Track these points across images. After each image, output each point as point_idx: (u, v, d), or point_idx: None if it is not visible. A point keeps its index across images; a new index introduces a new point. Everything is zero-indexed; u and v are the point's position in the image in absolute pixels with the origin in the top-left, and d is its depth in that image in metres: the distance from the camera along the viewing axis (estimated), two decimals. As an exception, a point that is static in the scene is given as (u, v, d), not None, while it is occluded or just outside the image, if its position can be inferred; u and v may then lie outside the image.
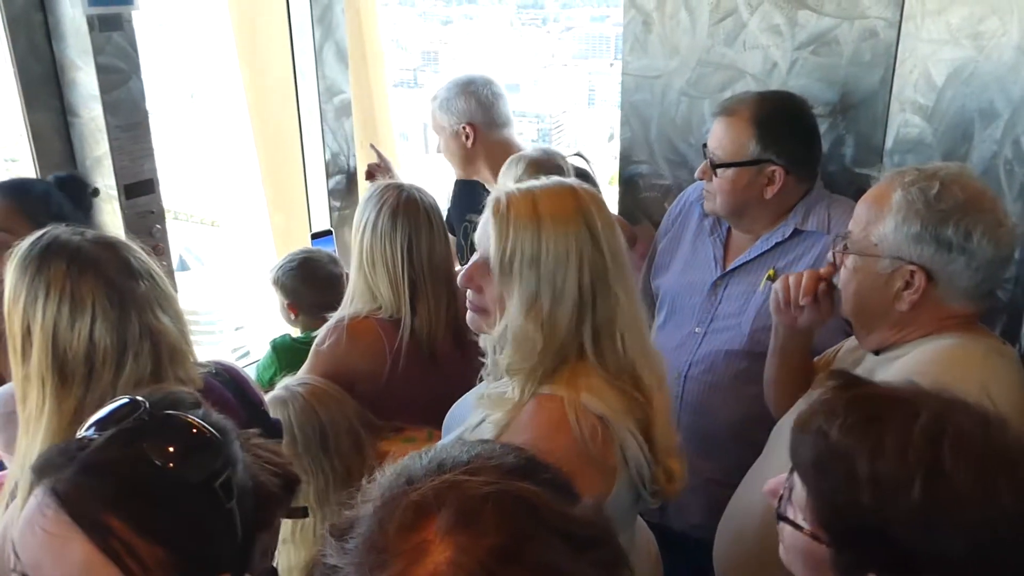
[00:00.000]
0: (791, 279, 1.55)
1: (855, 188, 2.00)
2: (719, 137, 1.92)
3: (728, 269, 2.01)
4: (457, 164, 2.67)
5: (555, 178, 1.39)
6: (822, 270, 1.55)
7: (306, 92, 3.01)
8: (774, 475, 1.08)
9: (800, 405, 1.57)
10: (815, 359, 1.72)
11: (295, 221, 3.16)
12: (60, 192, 1.96)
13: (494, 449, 0.81)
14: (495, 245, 1.30)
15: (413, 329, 1.84)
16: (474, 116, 2.57)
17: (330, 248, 2.72)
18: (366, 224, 1.85)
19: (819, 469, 0.97)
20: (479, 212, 1.38)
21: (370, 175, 2.82)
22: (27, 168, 2.36)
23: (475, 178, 2.64)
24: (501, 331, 1.33)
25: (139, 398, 0.96)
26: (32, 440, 1.25)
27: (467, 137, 2.58)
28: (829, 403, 1.00)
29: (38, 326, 1.25)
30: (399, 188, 1.89)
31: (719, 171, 1.91)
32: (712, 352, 1.98)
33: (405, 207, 1.85)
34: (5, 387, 1.44)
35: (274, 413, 1.66)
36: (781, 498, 1.03)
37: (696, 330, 2.02)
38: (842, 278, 1.50)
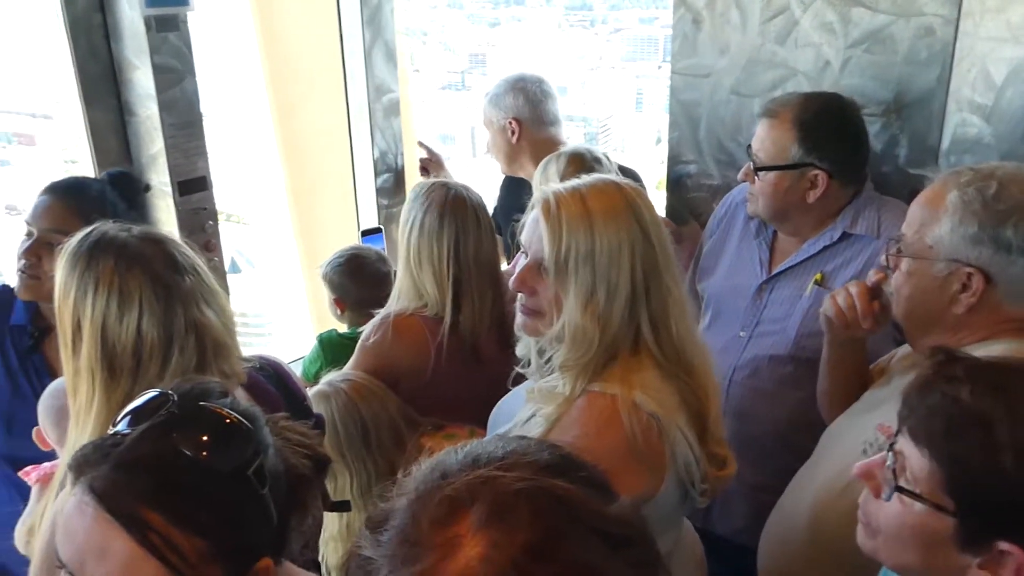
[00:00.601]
0: (840, 298, 1.52)
1: (908, 189, 1.95)
2: (761, 139, 1.89)
3: (774, 272, 1.98)
4: (502, 160, 2.67)
5: (598, 175, 1.40)
6: (871, 280, 1.52)
7: (355, 91, 3.04)
8: (826, 479, 1.06)
9: (858, 408, 1.54)
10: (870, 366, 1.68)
11: (344, 219, 3.19)
12: (114, 190, 2.00)
13: (529, 445, 0.80)
14: (549, 245, 1.31)
15: (457, 327, 1.85)
16: (521, 112, 2.58)
17: (379, 246, 2.74)
18: (413, 222, 1.86)
19: (952, 435, 0.95)
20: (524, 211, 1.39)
21: (424, 170, 2.84)
22: (86, 166, 2.43)
23: (520, 175, 2.64)
24: (559, 329, 1.33)
25: (168, 391, 0.97)
26: (82, 432, 1.27)
27: (512, 133, 2.59)
28: (945, 371, 0.98)
29: (88, 320, 1.27)
30: (446, 186, 1.90)
31: (761, 174, 1.89)
32: (757, 357, 1.95)
33: (452, 205, 1.85)
34: (57, 381, 1.47)
35: (317, 408, 1.68)
36: (895, 473, 1.00)
37: (741, 334, 1.99)
38: (896, 281, 1.46)
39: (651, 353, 1.32)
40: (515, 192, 2.58)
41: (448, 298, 1.84)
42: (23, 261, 1.77)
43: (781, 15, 2.17)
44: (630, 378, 1.29)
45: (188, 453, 0.90)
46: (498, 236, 2.67)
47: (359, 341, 1.89)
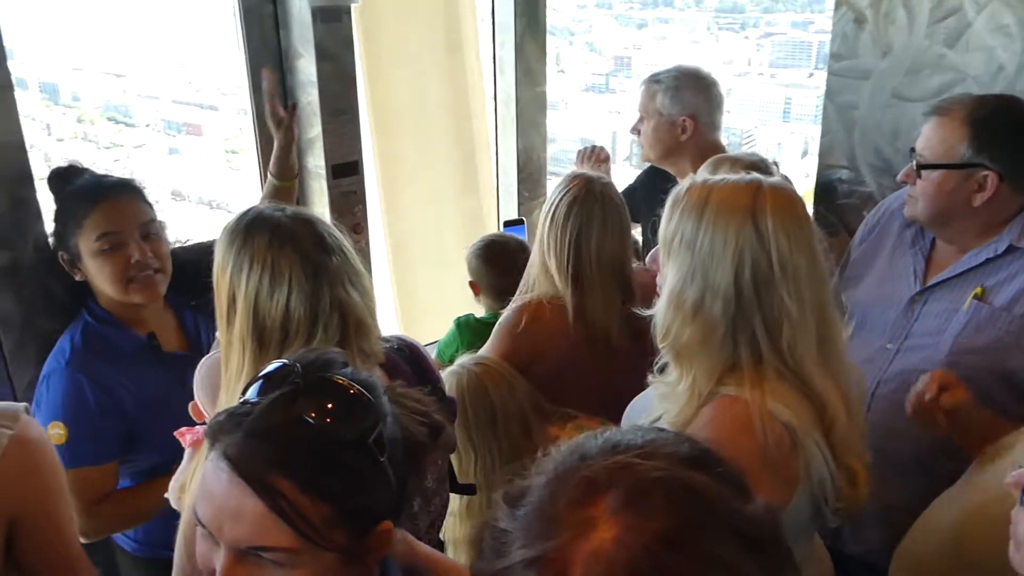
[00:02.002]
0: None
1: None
2: (928, 137, 1.79)
3: (929, 284, 1.87)
4: (658, 151, 2.55)
5: (751, 174, 1.34)
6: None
7: (504, 83, 3.10)
8: (979, 498, 1.01)
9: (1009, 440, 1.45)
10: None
11: (485, 210, 3.25)
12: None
13: (669, 437, 0.80)
14: (663, 226, 1.32)
15: (584, 318, 1.85)
16: (699, 111, 2.48)
17: (521, 236, 2.77)
18: (547, 211, 1.90)
19: None
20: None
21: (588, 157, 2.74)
22: (250, 152, 2.58)
23: (670, 170, 2.55)
24: (656, 311, 1.33)
25: (293, 361, 1.00)
26: (231, 399, 1.31)
27: (683, 130, 2.48)
28: None
29: (242, 294, 1.32)
30: (584, 179, 1.91)
31: (924, 173, 1.79)
32: (904, 371, 1.85)
33: (583, 199, 1.87)
34: (211, 356, 1.52)
35: (448, 389, 1.73)
36: None
37: (888, 346, 1.89)
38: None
39: (774, 365, 1.27)
40: (659, 182, 2.52)
41: (570, 289, 1.85)
42: (153, 261, 1.77)
43: (953, 16, 2.05)
44: (762, 385, 1.26)
45: (313, 422, 0.93)
46: (635, 223, 2.63)
47: (496, 325, 1.93)
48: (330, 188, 2.48)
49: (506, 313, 1.93)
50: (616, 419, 1.65)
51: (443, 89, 3.18)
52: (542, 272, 1.91)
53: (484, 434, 1.80)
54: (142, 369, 1.81)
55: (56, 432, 1.71)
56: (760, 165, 2.07)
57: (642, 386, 1.58)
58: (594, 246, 1.86)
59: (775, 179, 1.36)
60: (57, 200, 1.80)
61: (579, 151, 2.74)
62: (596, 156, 2.70)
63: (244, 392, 1.00)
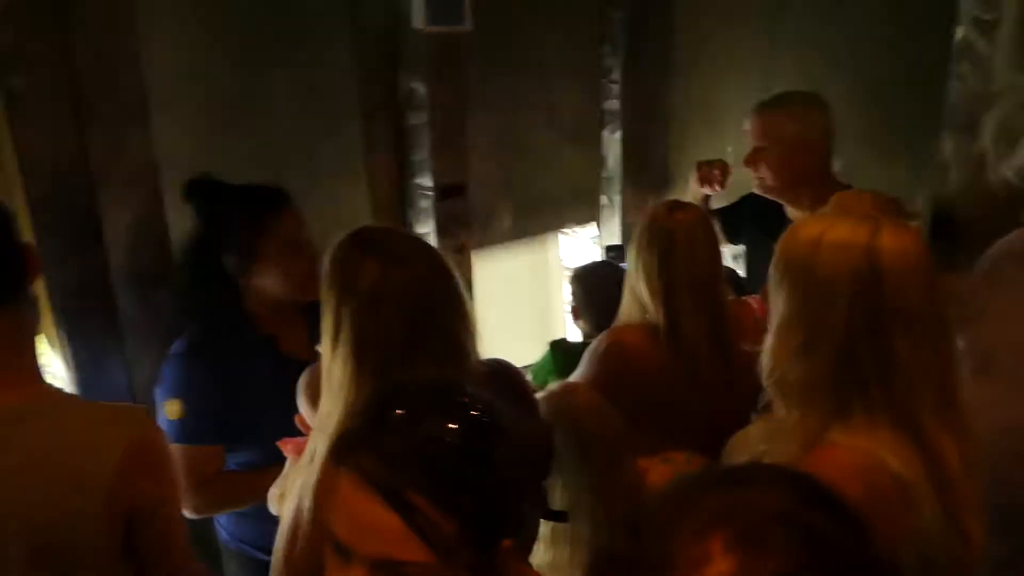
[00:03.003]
0: None
1: None
2: None
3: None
4: (782, 181, 2.35)
5: (865, 216, 1.27)
6: None
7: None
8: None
9: None
10: None
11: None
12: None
13: (795, 474, 0.79)
14: (774, 259, 1.28)
15: (672, 342, 1.84)
16: (824, 138, 2.31)
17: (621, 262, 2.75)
18: (636, 235, 1.89)
19: None
20: (773, 235, 1.34)
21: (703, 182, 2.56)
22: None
23: (786, 201, 2.38)
24: (764, 349, 1.29)
25: (418, 381, 1.04)
26: (332, 413, 1.35)
27: (807, 160, 2.29)
28: None
29: (348, 311, 1.35)
30: (670, 203, 1.91)
31: None
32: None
33: (665, 222, 1.85)
34: (314, 366, 1.57)
35: (542, 413, 1.73)
36: None
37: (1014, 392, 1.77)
38: None
39: (886, 413, 1.21)
40: (767, 205, 2.40)
41: (658, 312, 1.84)
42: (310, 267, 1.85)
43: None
44: (871, 434, 1.20)
45: (446, 440, 0.95)
46: (735, 244, 2.53)
47: (587, 351, 1.94)
48: (436, 209, 2.54)
49: (596, 339, 1.94)
50: (702, 449, 1.61)
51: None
52: (632, 297, 1.90)
53: (571, 463, 1.79)
54: (261, 365, 1.92)
55: (173, 408, 1.83)
56: (893, 205, 1.94)
57: (733, 418, 1.54)
58: (681, 268, 1.84)
59: (897, 219, 1.29)
60: (225, 208, 1.92)
61: (697, 164, 2.57)
62: (715, 169, 2.51)
63: (366, 410, 1.03)
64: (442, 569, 0.93)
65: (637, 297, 1.89)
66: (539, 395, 1.81)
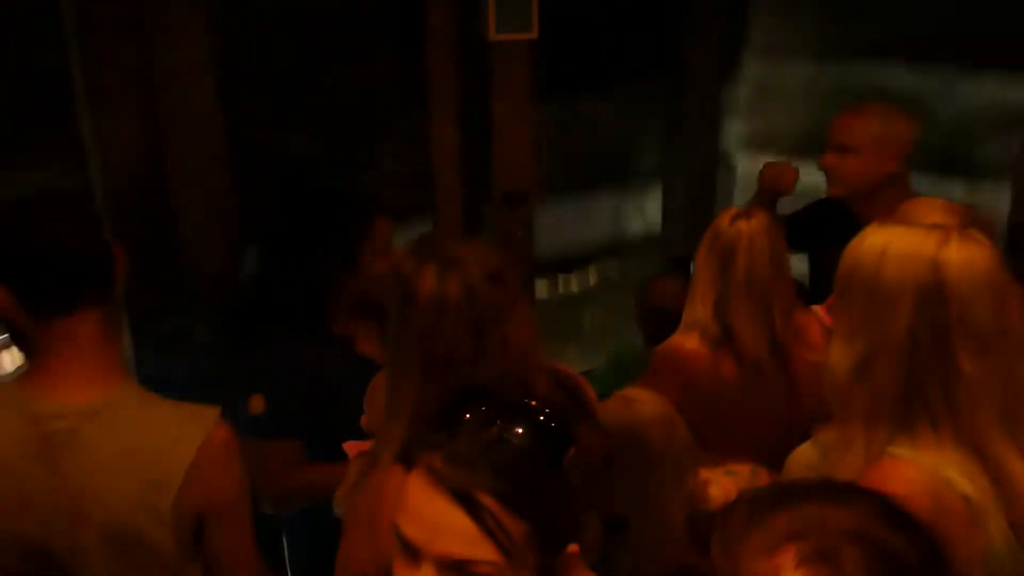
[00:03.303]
0: None
1: None
2: None
3: None
4: (863, 184, 2.28)
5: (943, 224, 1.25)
6: None
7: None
8: None
9: None
10: None
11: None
12: None
13: (868, 491, 0.79)
14: (839, 269, 1.26)
15: (732, 349, 1.83)
16: (906, 145, 2.25)
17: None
18: (700, 244, 1.89)
19: None
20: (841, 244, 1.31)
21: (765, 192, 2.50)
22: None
23: (858, 208, 2.28)
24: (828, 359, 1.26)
25: (485, 386, 1.05)
26: (396, 416, 1.36)
27: (889, 167, 2.25)
28: None
29: (412, 318, 1.35)
30: (734, 212, 1.89)
31: None
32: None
33: (726, 230, 1.85)
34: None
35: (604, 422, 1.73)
36: None
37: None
38: None
39: (952, 429, 1.17)
40: (836, 211, 2.34)
41: (717, 322, 1.84)
42: None
43: None
44: (938, 450, 1.17)
45: (514, 443, 0.97)
46: (800, 252, 2.43)
47: (649, 359, 1.94)
48: (498, 215, 2.55)
49: (659, 348, 1.94)
50: (764, 460, 1.59)
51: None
52: (694, 304, 1.90)
53: (635, 472, 1.78)
54: (338, 364, 1.96)
55: (257, 403, 1.89)
56: (965, 215, 1.86)
57: (795, 429, 1.52)
58: (741, 277, 1.83)
59: (968, 230, 1.26)
60: (326, 214, 2.01)
61: (765, 165, 2.52)
62: (779, 168, 2.47)
63: (437, 414, 1.04)
64: (509, 570, 0.95)
65: (697, 302, 1.89)
66: (603, 404, 1.81)
